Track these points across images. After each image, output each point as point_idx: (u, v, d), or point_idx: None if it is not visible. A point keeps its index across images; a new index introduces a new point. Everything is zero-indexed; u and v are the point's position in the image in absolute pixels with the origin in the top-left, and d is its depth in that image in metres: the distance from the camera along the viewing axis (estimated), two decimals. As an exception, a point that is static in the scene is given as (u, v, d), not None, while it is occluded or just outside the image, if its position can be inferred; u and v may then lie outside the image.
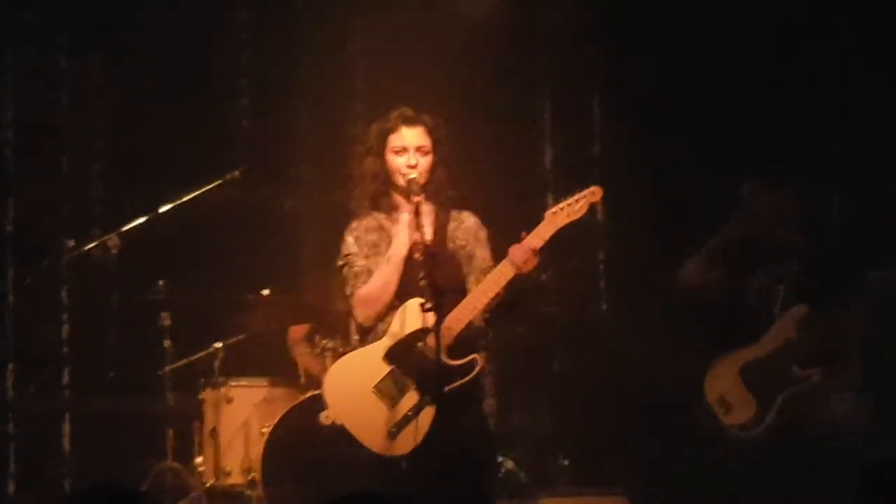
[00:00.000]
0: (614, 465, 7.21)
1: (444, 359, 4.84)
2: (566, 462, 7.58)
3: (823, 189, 6.74)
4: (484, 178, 6.72)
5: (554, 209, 5.01)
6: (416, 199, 5.00)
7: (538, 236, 4.97)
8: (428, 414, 4.89)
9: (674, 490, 6.73)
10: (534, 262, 4.96)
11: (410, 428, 4.89)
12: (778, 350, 5.99)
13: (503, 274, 4.96)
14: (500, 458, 7.13)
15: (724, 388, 6.09)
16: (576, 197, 5.01)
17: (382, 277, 5.06)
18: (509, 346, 7.30)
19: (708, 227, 6.37)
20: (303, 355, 6.94)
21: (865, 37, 6.88)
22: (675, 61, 7.35)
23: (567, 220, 4.99)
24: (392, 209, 5.16)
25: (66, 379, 7.57)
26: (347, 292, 5.17)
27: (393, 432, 4.91)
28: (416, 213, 4.96)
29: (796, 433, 5.90)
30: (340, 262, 5.17)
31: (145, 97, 7.56)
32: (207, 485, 6.79)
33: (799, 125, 7.02)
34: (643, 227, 7.40)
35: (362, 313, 5.13)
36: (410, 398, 4.93)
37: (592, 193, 5.03)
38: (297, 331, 7.06)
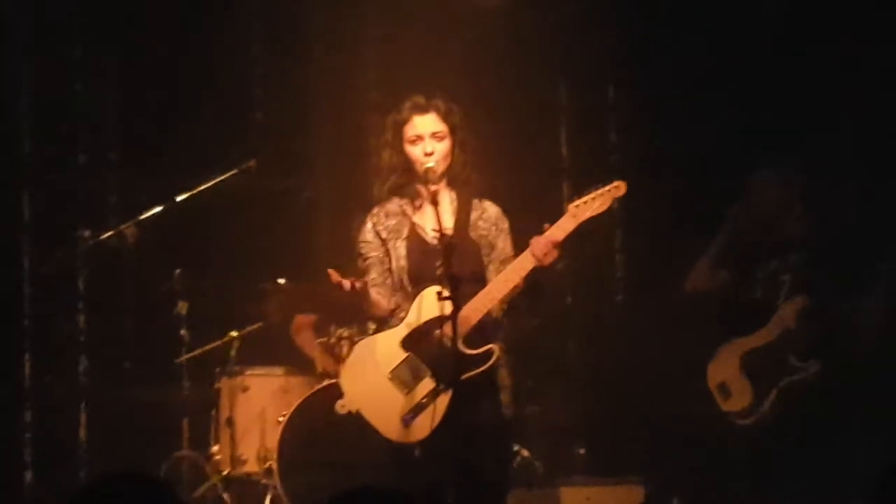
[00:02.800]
0: (631, 454, 7.20)
1: (461, 348, 4.83)
2: (582, 451, 7.58)
3: (832, 179, 6.71)
4: (501, 166, 6.71)
5: (577, 203, 4.95)
6: (433, 188, 5.00)
7: (560, 229, 4.93)
8: (443, 402, 4.87)
9: (690, 478, 6.72)
10: (554, 254, 4.92)
11: (425, 415, 4.88)
12: (777, 339, 6.00)
13: (523, 266, 4.93)
14: (516, 448, 7.13)
15: (725, 375, 6.13)
16: (599, 191, 4.96)
17: (387, 305, 5.10)
18: (525, 335, 7.30)
19: (723, 217, 6.36)
20: (309, 346, 6.93)
21: (874, 29, 6.85)
22: (691, 51, 7.33)
23: (589, 215, 4.94)
24: (415, 196, 5.15)
25: (82, 368, 7.58)
26: None
27: (407, 419, 4.89)
28: (434, 202, 4.96)
29: (792, 422, 5.91)
30: (358, 249, 5.18)
31: (160, 87, 7.56)
32: (224, 473, 6.81)
33: (812, 114, 6.99)
34: (659, 217, 7.38)
35: (371, 312, 5.17)
36: (426, 385, 4.91)
37: (616, 188, 4.97)
38: (302, 319, 7.03)
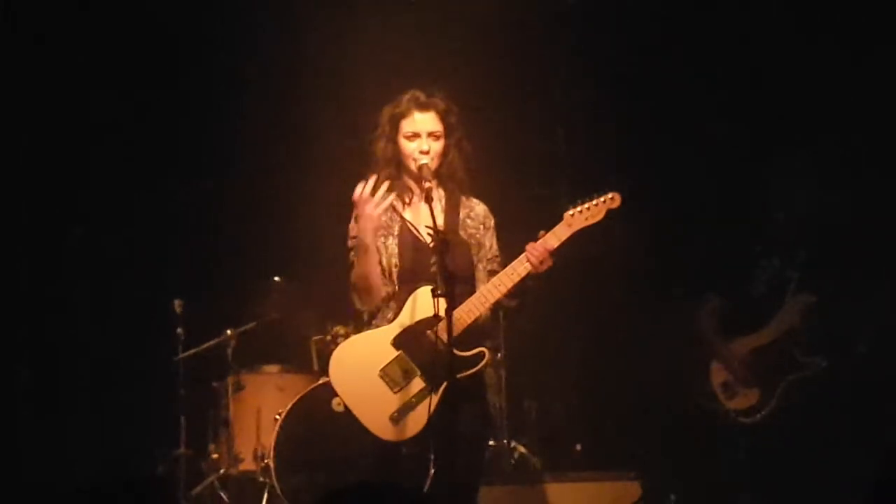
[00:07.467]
0: (627, 451, 7.20)
1: (452, 349, 4.85)
2: (579, 447, 7.58)
3: (835, 179, 6.72)
4: (497, 167, 6.72)
5: (572, 211, 5.00)
6: (427, 184, 5.00)
7: (555, 237, 4.98)
8: (432, 401, 4.89)
9: (686, 475, 6.73)
10: (550, 262, 4.96)
11: (413, 414, 4.90)
12: (781, 337, 6.01)
13: (518, 271, 4.96)
14: (512, 444, 7.15)
15: (729, 373, 6.12)
16: (595, 201, 5.01)
17: (359, 264, 5.05)
18: (522, 333, 7.31)
19: (724, 217, 6.37)
20: None
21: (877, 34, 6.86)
22: (694, 51, 7.34)
23: (584, 224, 5.00)
24: (404, 192, 5.17)
25: (79, 367, 7.58)
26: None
27: (395, 417, 4.91)
28: (428, 198, 4.96)
29: (799, 418, 5.92)
30: (349, 244, 5.18)
31: (154, 87, 7.55)
32: (221, 472, 6.81)
33: (814, 116, 6.99)
34: (660, 215, 7.38)
35: (357, 300, 5.15)
36: (415, 385, 4.93)
37: (612, 199, 5.03)
38: None
